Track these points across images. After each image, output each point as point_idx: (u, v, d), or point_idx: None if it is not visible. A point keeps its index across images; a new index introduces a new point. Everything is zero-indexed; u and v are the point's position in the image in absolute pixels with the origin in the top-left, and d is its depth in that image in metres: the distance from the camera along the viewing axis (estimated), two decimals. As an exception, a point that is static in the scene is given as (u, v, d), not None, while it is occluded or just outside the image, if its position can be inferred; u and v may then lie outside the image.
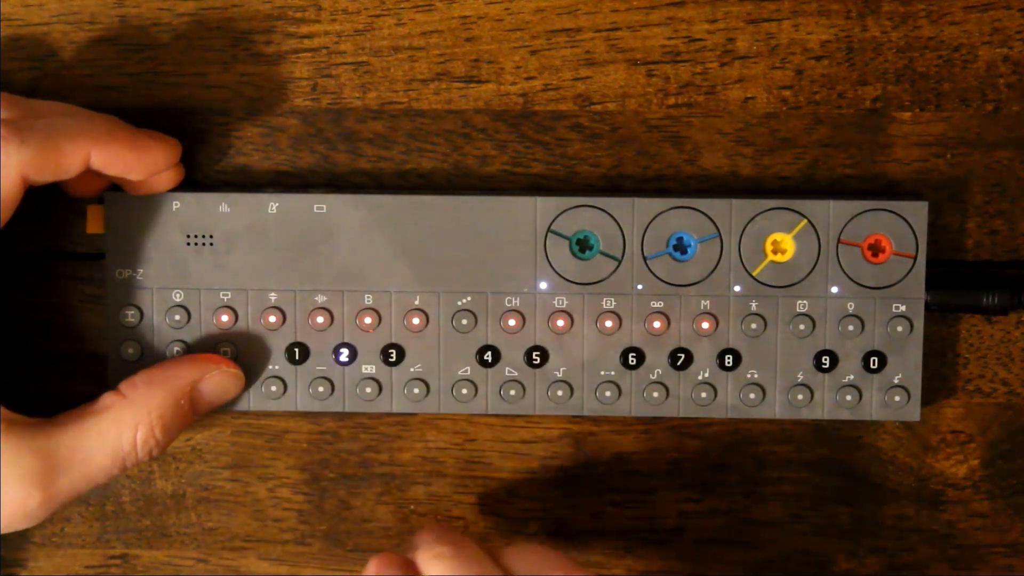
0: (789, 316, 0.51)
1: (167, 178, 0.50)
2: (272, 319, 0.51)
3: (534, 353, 0.51)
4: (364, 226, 0.50)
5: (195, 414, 0.50)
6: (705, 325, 0.51)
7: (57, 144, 0.46)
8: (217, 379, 0.50)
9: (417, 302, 0.51)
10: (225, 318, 0.51)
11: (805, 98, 0.51)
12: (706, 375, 0.51)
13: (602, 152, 0.52)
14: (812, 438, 0.53)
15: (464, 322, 0.51)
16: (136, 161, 0.48)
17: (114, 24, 0.51)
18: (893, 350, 0.51)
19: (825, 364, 0.51)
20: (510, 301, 0.51)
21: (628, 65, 0.51)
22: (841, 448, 0.53)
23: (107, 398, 0.48)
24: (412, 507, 0.54)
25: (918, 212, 0.50)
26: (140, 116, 0.51)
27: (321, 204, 0.50)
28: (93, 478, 0.48)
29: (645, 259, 0.50)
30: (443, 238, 0.50)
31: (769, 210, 0.50)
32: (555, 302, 0.51)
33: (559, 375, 0.51)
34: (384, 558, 0.48)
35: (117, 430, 0.48)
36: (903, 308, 0.51)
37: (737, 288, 0.51)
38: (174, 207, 0.51)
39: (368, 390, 0.51)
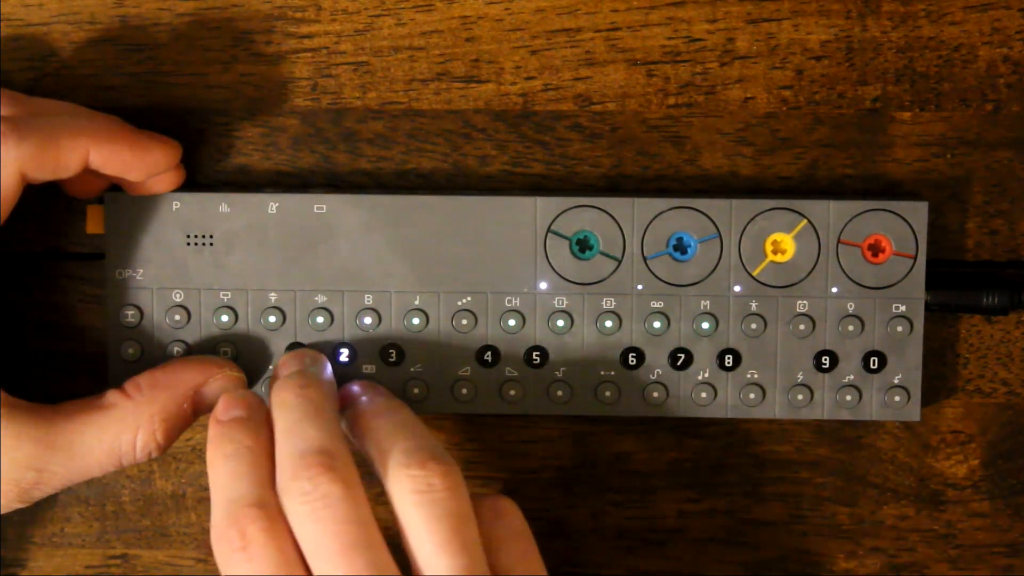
0: (789, 316, 0.51)
1: (168, 180, 0.50)
2: (272, 319, 0.51)
3: (534, 353, 0.51)
4: (364, 226, 0.50)
5: (196, 416, 0.50)
6: (705, 325, 0.51)
7: (56, 141, 0.46)
8: (220, 383, 0.50)
9: (417, 302, 0.51)
10: (225, 318, 0.51)
11: (805, 98, 0.51)
12: (706, 375, 0.51)
13: (602, 152, 0.52)
14: (812, 438, 0.53)
15: (464, 322, 0.51)
16: (135, 161, 0.48)
17: (114, 24, 0.51)
18: (893, 350, 0.51)
19: (825, 364, 0.51)
20: (510, 301, 0.51)
21: (628, 65, 0.51)
22: (841, 448, 0.53)
23: (112, 396, 0.48)
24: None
25: (918, 212, 0.50)
26: (140, 116, 0.51)
27: (321, 204, 0.50)
28: (88, 471, 0.48)
29: (645, 259, 0.50)
30: (443, 238, 0.50)
31: (769, 210, 0.50)
32: (555, 302, 0.51)
33: (559, 375, 0.51)
34: (231, 399, 0.48)
35: (117, 430, 0.48)
36: (903, 308, 0.50)
37: (737, 288, 0.51)
38: (174, 207, 0.51)
39: (368, 390, 0.51)
